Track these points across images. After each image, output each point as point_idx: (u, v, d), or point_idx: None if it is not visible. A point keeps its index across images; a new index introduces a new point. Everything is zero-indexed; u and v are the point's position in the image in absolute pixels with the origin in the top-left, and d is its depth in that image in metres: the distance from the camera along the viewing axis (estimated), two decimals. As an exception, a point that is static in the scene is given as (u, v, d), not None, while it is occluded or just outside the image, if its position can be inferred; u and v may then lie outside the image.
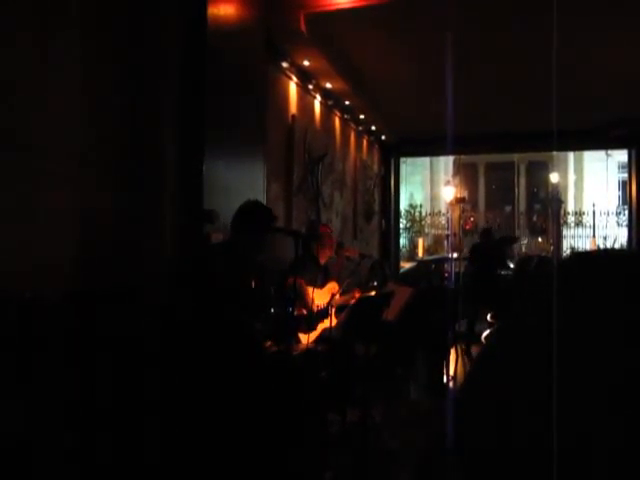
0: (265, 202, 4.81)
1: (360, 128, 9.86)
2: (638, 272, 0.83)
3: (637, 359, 0.77)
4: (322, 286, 4.47)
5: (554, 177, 25.95)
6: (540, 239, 25.10)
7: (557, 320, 0.80)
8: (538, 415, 0.78)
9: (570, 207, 25.76)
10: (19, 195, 2.77)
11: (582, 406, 0.76)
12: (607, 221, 21.82)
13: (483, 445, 0.83)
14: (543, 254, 20.23)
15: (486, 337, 5.24)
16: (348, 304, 4.37)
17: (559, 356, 0.76)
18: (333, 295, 4.37)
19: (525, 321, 0.91)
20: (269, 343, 3.67)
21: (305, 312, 4.12)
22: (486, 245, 8.34)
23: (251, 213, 3.37)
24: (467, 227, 23.58)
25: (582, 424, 0.76)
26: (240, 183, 4.26)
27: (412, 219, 23.38)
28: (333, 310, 4.11)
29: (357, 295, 4.62)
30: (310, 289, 4.16)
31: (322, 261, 4.62)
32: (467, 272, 8.27)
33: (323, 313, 4.06)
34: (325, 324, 4.07)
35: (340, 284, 4.59)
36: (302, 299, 4.16)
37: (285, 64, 6.39)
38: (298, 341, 3.90)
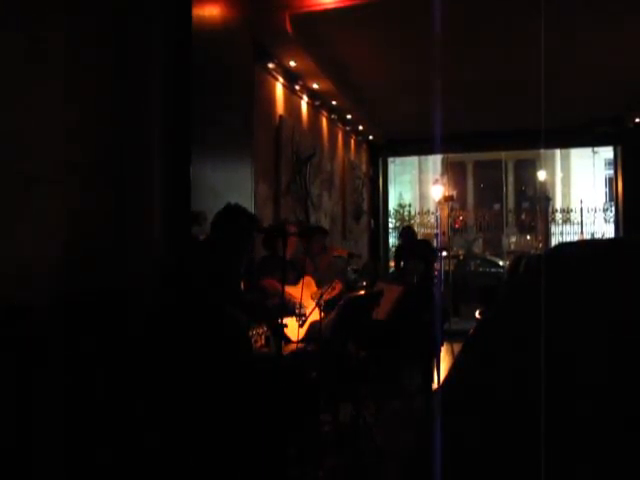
0: (253, 203, 4.80)
1: (348, 128, 9.87)
2: (623, 259, 0.84)
3: (622, 348, 0.77)
4: (295, 282, 4.42)
5: (541, 175, 26.13)
6: (528, 236, 25.24)
7: (542, 310, 0.81)
8: (522, 405, 0.79)
9: (558, 204, 25.93)
10: (3, 197, 2.75)
11: (568, 395, 0.77)
12: (594, 218, 21.99)
13: (467, 437, 0.83)
14: (532, 251, 20.35)
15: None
16: (329, 296, 4.32)
17: (544, 345, 0.77)
18: (322, 294, 4.35)
19: (508, 312, 0.92)
20: (259, 344, 3.66)
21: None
22: (412, 244, 7.54)
23: (233, 216, 3.36)
24: (456, 225, 23.68)
25: (568, 415, 0.76)
26: (228, 184, 4.25)
27: (401, 218, 23.45)
28: (319, 306, 4.08)
29: (338, 286, 4.55)
30: (287, 288, 4.12)
31: (287, 257, 4.54)
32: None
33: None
34: (313, 318, 4.03)
35: (325, 281, 4.54)
36: (275, 296, 4.10)
37: (271, 65, 6.39)
38: (288, 340, 3.89)
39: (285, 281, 3.57)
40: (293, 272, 4.55)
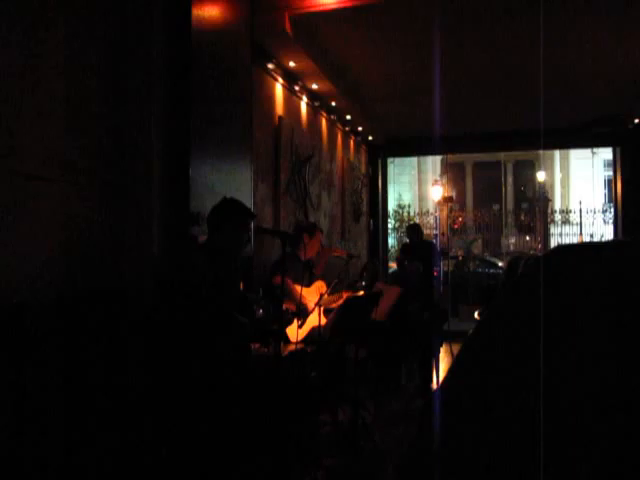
0: (253, 203, 4.81)
1: (347, 129, 9.88)
2: (622, 261, 0.84)
3: (619, 349, 0.78)
4: (309, 284, 4.45)
5: (541, 175, 26.15)
6: (527, 237, 25.25)
7: (541, 311, 0.81)
8: (521, 406, 0.79)
9: (557, 205, 25.96)
10: (3, 197, 2.75)
11: (564, 396, 0.77)
12: (594, 219, 22.00)
13: (465, 437, 0.83)
14: (531, 252, 20.36)
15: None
16: (335, 305, 4.36)
17: (542, 347, 0.77)
18: (322, 295, 4.37)
19: (507, 313, 0.92)
20: (257, 344, 3.66)
21: (293, 309, 4.10)
22: (418, 243, 7.57)
23: (227, 210, 3.38)
24: (455, 226, 23.65)
25: (566, 414, 0.77)
26: (227, 185, 4.25)
27: (400, 219, 23.43)
28: (322, 309, 4.10)
29: (345, 296, 4.62)
30: (297, 286, 4.15)
31: (306, 257, 4.59)
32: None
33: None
34: (314, 322, 4.06)
35: (328, 283, 4.58)
36: (290, 296, 4.15)
37: (271, 65, 6.39)
38: (287, 340, 3.90)
39: (286, 272, 3.62)
40: (308, 274, 4.58)
